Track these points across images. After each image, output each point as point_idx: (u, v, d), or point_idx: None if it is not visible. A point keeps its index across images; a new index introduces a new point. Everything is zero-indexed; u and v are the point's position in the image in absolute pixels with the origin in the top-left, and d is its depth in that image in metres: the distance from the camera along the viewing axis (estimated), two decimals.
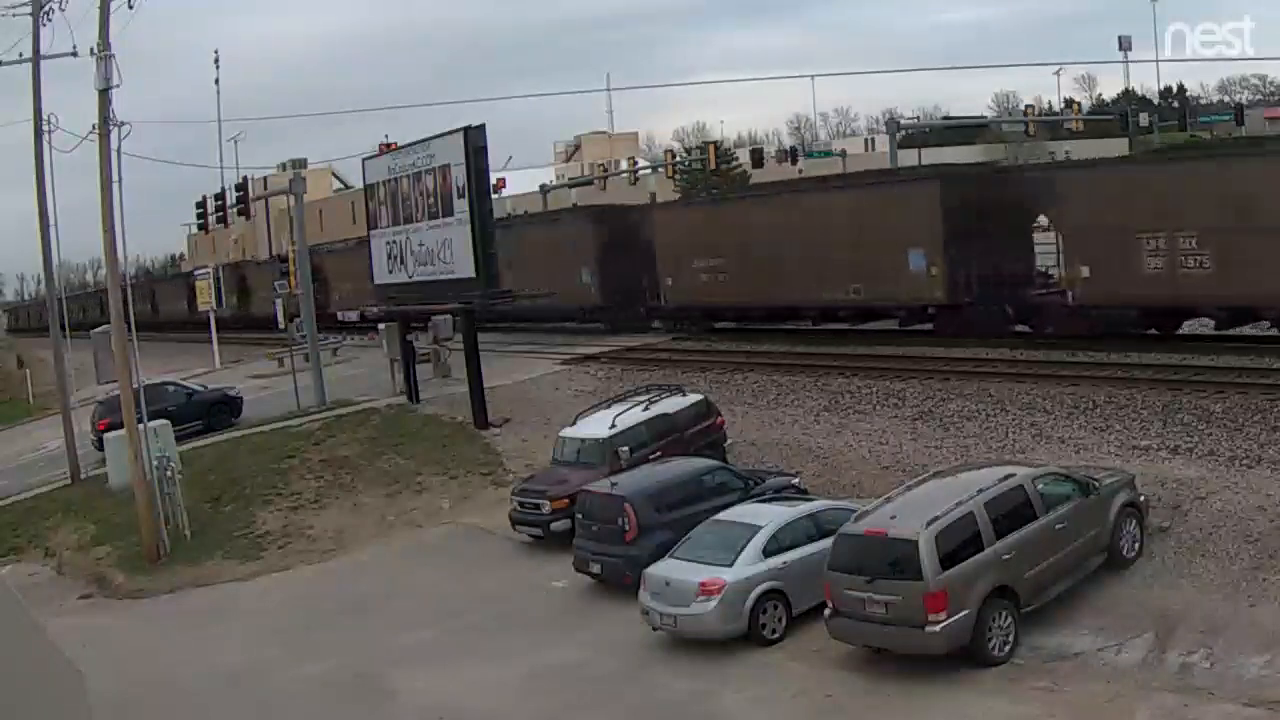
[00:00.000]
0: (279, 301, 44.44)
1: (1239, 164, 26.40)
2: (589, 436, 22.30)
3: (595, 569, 18.86)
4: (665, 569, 16.76)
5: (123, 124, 24.03)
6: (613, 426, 22.06)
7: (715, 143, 77.48)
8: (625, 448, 21.57)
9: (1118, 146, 65.03)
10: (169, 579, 23.17)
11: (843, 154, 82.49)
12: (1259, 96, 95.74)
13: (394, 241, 31.91)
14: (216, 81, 70.17)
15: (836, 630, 15.09)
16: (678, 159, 79.26)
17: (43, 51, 29.66)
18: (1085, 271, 26.46)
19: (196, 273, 60.19)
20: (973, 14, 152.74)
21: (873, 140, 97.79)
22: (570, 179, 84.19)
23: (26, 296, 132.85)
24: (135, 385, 24.93)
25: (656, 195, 69.59)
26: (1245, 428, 19.60)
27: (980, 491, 15.01)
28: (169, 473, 24.84)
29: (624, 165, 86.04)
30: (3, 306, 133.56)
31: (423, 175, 29.98)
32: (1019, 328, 28.78)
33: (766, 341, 33.17)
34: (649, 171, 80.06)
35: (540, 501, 21.35)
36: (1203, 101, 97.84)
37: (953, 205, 29.20)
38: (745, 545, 16.45)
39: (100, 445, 29.98)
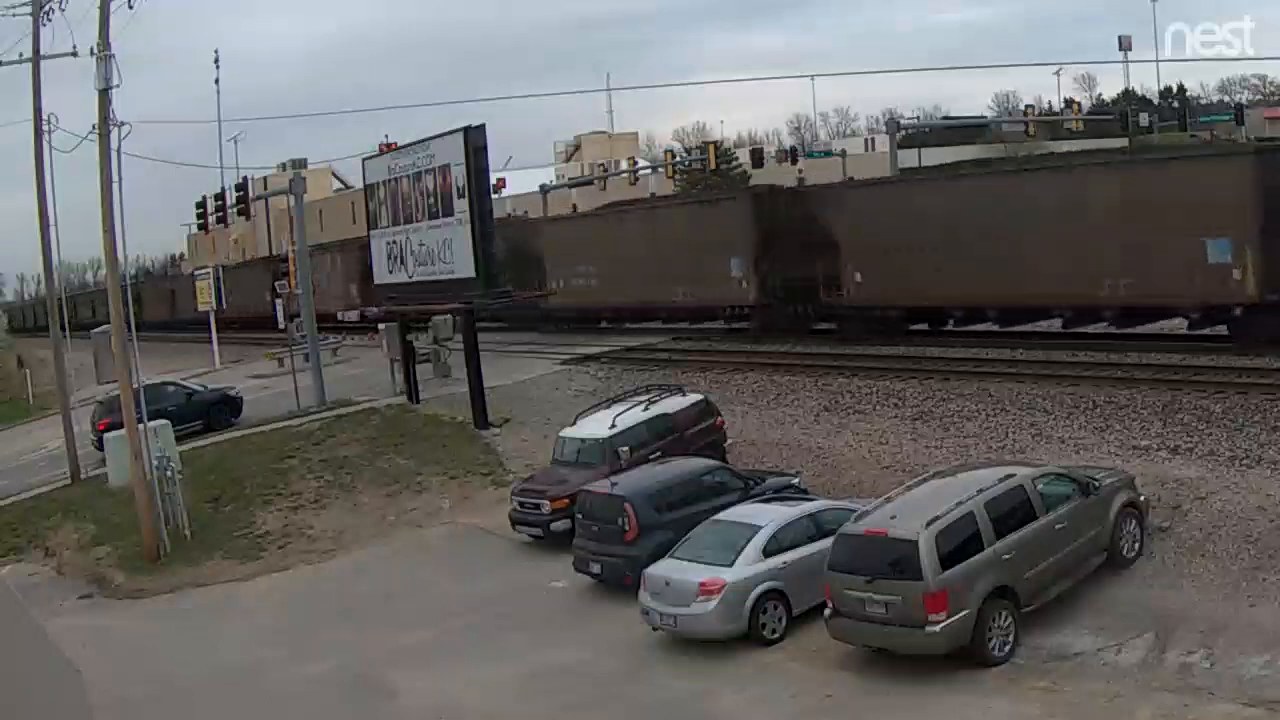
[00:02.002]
0: (279, 301, 44.50)
1: (617, 220, 43.16)
2: (589, 436, 22.30)
3: (595, 569, 18.86)
4: (665, 569, 16.77)
5: (123, 124, 24.08)
6: (613, 426, 22.05)
7: (715, 143, 77.39)
8: (625, 448, 21.56)
9: (1118, 147, 65.10)
10: (169, 579, 23.15)
11: (843, 154, 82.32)
12: (1259, 96, 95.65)
13: (394, 241, 31.90)
14: (216, 81, 69.97)
15: (836, 630, 15.09)
16: (677, 159, 79.19)
17: (43, 51, 29.69)
18: (575, 282, 40.92)
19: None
20: (973, 14, 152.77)
21: (873, 140, 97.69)
22: (570, 179, 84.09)
23: (27, 296, 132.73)
24: (135, 385, 24.94)
25: (656, 196, 69.55)
26: (1245, 428, 19.58)
27: (980, 491, 15.02)
28: (169, 473, 24.82)
29: (624, 165, 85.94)
30: (3, 306, 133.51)
31: (423, 175, 29.95)
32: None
33: (767, 341, 33.19)
34: (649, 171, 79.99)
35: (540, 501, 21.35)
36: (1203, 101, 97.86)
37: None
38: (745, 545, 16.45)
39: (100, 445, 29.92)
